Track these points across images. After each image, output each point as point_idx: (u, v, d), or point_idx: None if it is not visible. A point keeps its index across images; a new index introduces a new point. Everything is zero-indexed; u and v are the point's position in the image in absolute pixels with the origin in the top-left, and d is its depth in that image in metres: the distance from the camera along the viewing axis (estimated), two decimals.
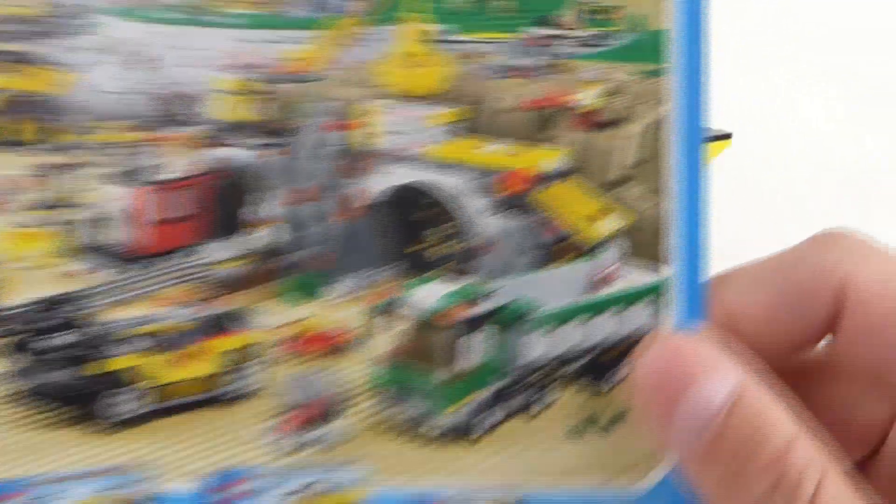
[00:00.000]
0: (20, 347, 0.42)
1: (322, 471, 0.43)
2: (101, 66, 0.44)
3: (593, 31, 0.42)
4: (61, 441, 0.43)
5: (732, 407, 0.33)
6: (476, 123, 0.43)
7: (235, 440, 0.43)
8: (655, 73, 0.40)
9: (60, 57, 0.44)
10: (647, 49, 0.40)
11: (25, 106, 0.45)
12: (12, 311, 0.43)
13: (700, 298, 0.38)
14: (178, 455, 0.43)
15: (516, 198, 0.42)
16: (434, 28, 0.42)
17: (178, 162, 0.44)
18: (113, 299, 0.44)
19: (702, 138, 0.40)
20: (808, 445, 0.33)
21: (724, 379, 0.33)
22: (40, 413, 0.43)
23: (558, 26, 0.41)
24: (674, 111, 0.39)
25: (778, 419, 0.33)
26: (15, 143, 0.45)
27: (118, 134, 0.45)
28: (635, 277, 0.41)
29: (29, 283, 0.43)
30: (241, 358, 0.43)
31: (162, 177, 0.44)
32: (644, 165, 0.42)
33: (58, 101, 0.45)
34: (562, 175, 0.42)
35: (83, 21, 0.44)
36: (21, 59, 0.45)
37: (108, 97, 0.44)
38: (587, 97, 0.42)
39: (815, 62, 0.90)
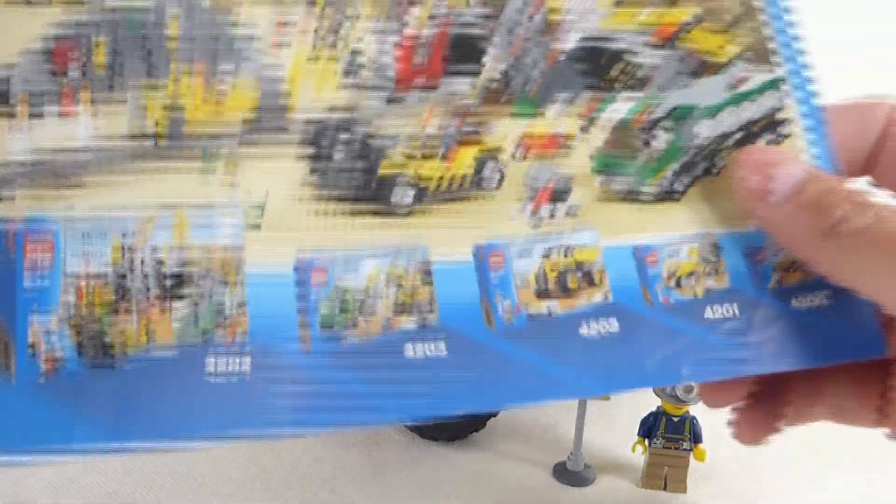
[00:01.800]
0: (314, 157, 0.51)
1: (567, 234, 0.53)
2: None
3: None
4: (355, 228, 0.51)
5: (810, 173, 0.50)
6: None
7: (496, 219, 0.53)
8: None
9: None
10: None
11: None
12: (303, 126, 0.52)
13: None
14: (451, 233, 0.52)
15: (668, 42, 0.59)
16: None
17: (420, 24, 0.57)
18: (384, 121, 0.54)
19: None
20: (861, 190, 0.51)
21: (801, 164, 0.51)
22: (338, 206, 0.51)
23: None
24: None
25: (839, 181, 0.51)
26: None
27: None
28: (759, 77, 0.59)
29: (315, 104, 0.53)
30: (489, 158, 0.54)
31: (410, 32, 0.57)
32: (744, 17, 0.60)
33: None
34: (696, 22, 0.59)
35: None
36: None
37: None
38: None
39: None
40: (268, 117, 0.53)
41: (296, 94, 0.54)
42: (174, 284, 0.46)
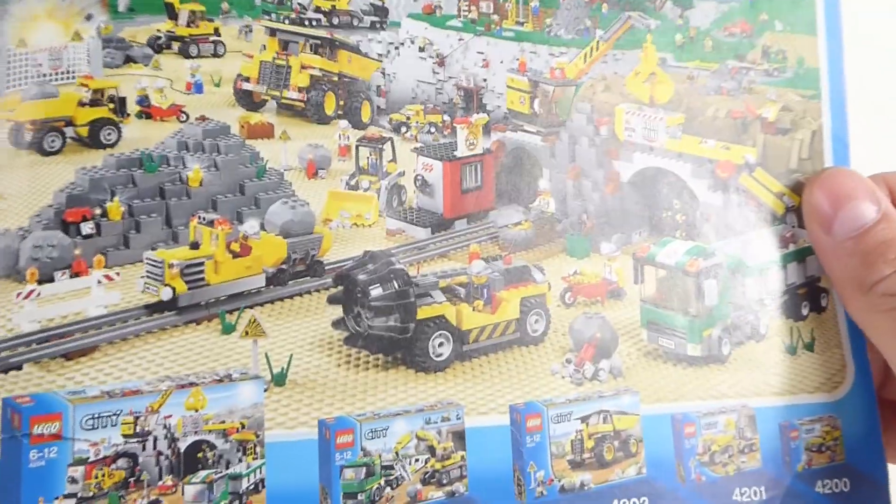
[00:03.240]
0: (348, 297, 0.47)
1: (608, 397, 0.50)
2: (399, 57, 0.52)
3: (773, 65, 0.57)
4: (389, 381, 0.47)
5: (885, 216, 0.49)
6: (696, 126, 0.56)
7: (537, 376, 0.50)
8: (814, 97, 0.56)
9: (364, 46, 0.52)
10: (807, 80, 0.57)
11: (328, 84, 0.51)
12: (338, 264, 0.47)
13: None
14: (489, 391, 0.49)
15: (728, 180, 0.55)
16: (665, 55, 0.56)
17: (469, 141, 0.52)
18: (425, 255, 0.50)
19: (846, 143, 0.56)
20: None
21: (879, 203, 0.49)
22: (371, 355, 0.47)
23: (749, 61, 0.57)
24: (825, 123, 0.55)
25: None
26: (319, 118, 0.51)
27: (418, 115, 0.52)
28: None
29: (351, 241, 0.48)
30: (536, 305, 0.50)
31: (458, 153, 0.52)
32: (805, 162, 0.57)
33: (359, 82, 0.52)
34: (756, 165, 0.56)
35: (385, 19, 0.52)
36: (330, 45, 0.52)
37: (406, 83, 0.52)
38: (770, 111, 0.57)
39: None
40: (297, 264, 0.49)
41: (330, 232, 0.50)
42: (188, 459, 0.42)
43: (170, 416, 0.43)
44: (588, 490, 0.50)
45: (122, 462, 0.42)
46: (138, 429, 0.42)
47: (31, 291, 0.44)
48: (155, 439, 0.42)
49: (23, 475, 0.40)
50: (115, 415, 0.42)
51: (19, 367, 0.42)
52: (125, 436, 0.42)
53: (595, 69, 0.57)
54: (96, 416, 0.42)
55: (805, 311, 0.55)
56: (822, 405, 0.53)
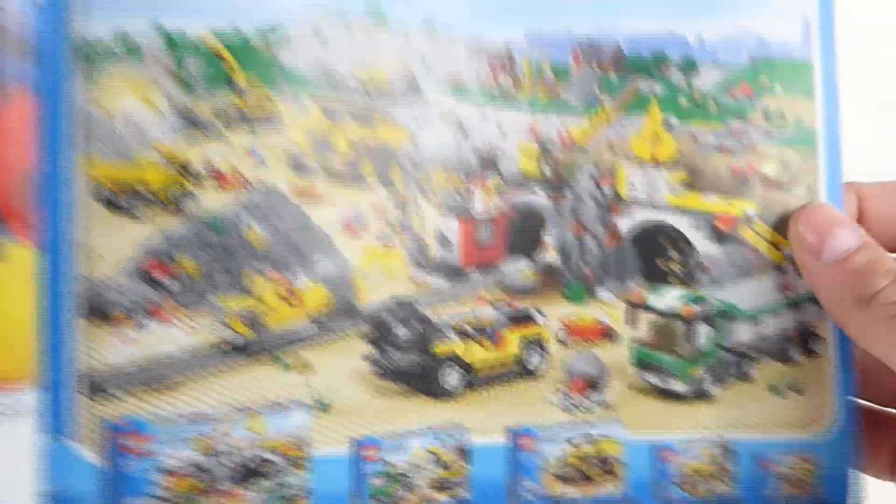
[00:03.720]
0: (378, 336, 0.57)
1: (596, 424, 0.59)
2: (429, 127, 0.60)
3: (773, 125, 0.61)
4: (408, 406, 0.58)
5: (864, 243, 0.55)
6: (697, 182, 0.62)
7: (532, 404, 0.59)
8: (811, 155, 0.61)
9: (398, 116, 0.60)
10: (805, 139, 0.61)
11: (366, 151, 0.60)
12: (370, 309, 0.57)
13: None
14: (490, 416, 0.59)
15: (727, 233, 0.61)
16: (668, 117, 0.61)
17: (486, 201, 0.60)
18: (442, 301, 0.59)
19: (840, 196, 0.60)
20: None
21: (857, 232, 0.55)
22: (395, 385, 0.58)
23: (750, 121, 0.61)
24: (821, 179, 0.60)
25: (887, 255, 0.55)
26: (358, 182, 0.60)
27: (442, 178, 0.60)
28: (804, 285, 0.61)
29: (382, 289, 0.58)
30: (534, 343, 0.59)
31: (474, 212, 0.60)
32: None
33: (393, 150, 0.60)
34: (755, 218, 0.61)
35: (416, 92, 0.60)
36: (368, 115, 0.60)
37: (432, 150, 0.60)
38: (769, 168, 0.61)
39: None
40: (339, 311, 0.59)
41: (365, 282, 0.59)
42: (250, 472, 0.54)
43: (234, 436, 0.54)
44: (570, 500, 0.59)
45: (197, 473, 0.54)
46: (210, 447, 0.54)
47: (122, 334, 0.54)
48: (222, 454, 0.54)
49: (120, 480, 0.52)
50: (191, 435, 0.54)
51: (116, 396, 0.53)
52: (200, 452, 0.53)
53: (601, 132, 0.63)
54: (177, 436, 0.53)
55: (796, 356, 0.61)
56: (800, 442, 0.60)
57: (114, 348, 0.54)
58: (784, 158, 0.62)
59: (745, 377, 0.61)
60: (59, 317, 0.52)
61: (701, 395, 0.61)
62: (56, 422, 0.52)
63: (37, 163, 0.51)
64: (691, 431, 0.60)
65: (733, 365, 0.61)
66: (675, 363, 0.61)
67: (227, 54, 0.57)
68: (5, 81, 0.52)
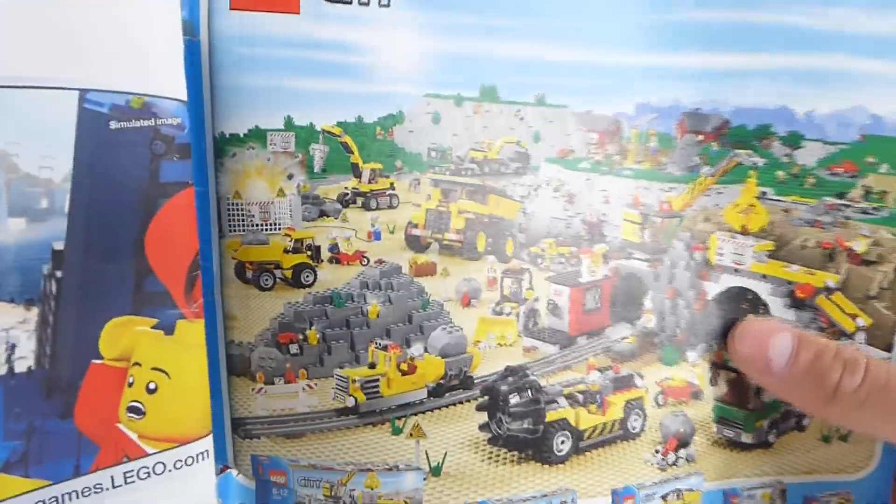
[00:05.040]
0: (492, 405, 0.58)
1: (682, 479, 0.63)
2: (538, 197, 0.60)
3: (871, 204, 0.63)
4: (520, 472, 0.61)
5: (800, 340, 0.57)
6: (784, 252, 0.65)
7: (633, 465, 0.63)
8: None
9: (509, 189, 0.61)
10: None
11: (480, 224, 0.61)
12: (485, 378, 0.59)
13: None
14: (597, 479, 0.62)
15: (805, 300, 0.65)
16: (765, 189, 0.64)
17: (592, 268, 0.61)
18: (553, 367, 0.61)
19: None
20: (850, 347, 0.59)
21: (790, 332, 0.57)
22: (507, 452, 0.60)
23: (848, 199, 0.64)
24: None
25: (828, 341, 0.58)
26: (472, 255, 0.61)
27: (551, 247, 0.61)
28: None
29: (496, 358, 0.59)
30: (636, 406, 0.62)
31: (583, 279, 0.61)
32: (885, 291, 0.65)
33: (505, 221, 0.61)
34: (836, 290, 0.64)
35: (527, 165, 0.60)
36: (482, 190, 0.60)
37: (543, 220, 0.60)
38: (859, 245, 0.64)
39: None
40: (454, 380, 0.62)
41: (479, 351, 0.62)
42: None
43: (353, 489, 0.58)
44: None
45: None
46: (333, 493, 0.58)
47: (261, 389, 0.58)
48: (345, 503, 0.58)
49: (270, 500, 0.58)
50: (318, 480, 0.58)
51: (259, 437, 0.58)
52: (325, 496, 0.58)
53: (698, 202, 0.65)
54: (306, 478, 0.58)
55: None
56: (844, 483, 0.66)
57: (255, 401, 0.58)
58: (877, 237, 0.65)
59: (800, 427, 0.67)
60: (216, 376, 0.57)
61: (762, 444, 0.66)
62: (222, 457, 0.57)
63: (198, 248, 0.54)
64: (754, 477, 0.65)
65: (792, 417, 0.66)
66: (746, 417, 0.66)
67: (350, 141, 0.58)
68: (164, 181, 0.52)
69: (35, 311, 0.55)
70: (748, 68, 0.62)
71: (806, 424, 0.67)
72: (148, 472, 0.57)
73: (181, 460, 0.59)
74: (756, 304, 0.68)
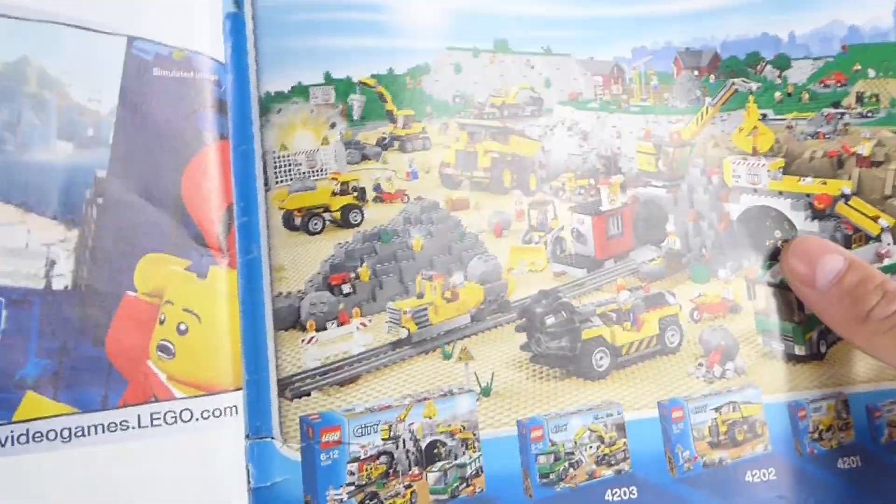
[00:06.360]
0: (530, 326, 0.62)
1: (735, 391, 0.63)
2: (553, 136, 0.66)
3: (866, 108, 0.68)
4: (565, 388, 0.63)
5: (851, 263, 0.60)
6: (796, 167, 0.69)
7: (676, 378, 0.64)
8: None
9: (528, 130, 0.67)
10: None
11: (504, 162, 0.66)
12: (520, 302, 0.62)
13: None
14: (640, 392, 0.63)
15: (825, 210, 0.68)
16: (766, 111, 0.69)
17: (611, 197, 0.66)
18: (583, 290, 0.65)
19: None
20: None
21: (843, 255, 0.60)
22: (550, 369, 0.63)
23: (844, 106, 0.69)
24: None
25: (877, 272, 0.60)
26: (500, 189, 0.66)
27: (570, 181, 0.66)
28: None
29: (528, 284, 0.63)
30: (670, 322, 0.64)
31: (602, 208, 0.66)
32: None
33: (526, 159, 0.67)
34: (853, 195, 0.68)
35: (542, 108, 0.67)
36: (503, 132, 0.67)
37: (561, 157, 0.66)
38: (864, 148, 0.68)
39: None
40: (491, 305, 0.65)
41: (513, 277, 0.66)
42: (428, 454, 0.59)
43: (413, 423, 0.59)
44: (726, 465, 0.63)
45: (382, 458, 0.58)
46: (392, 434, 0.59)
47: (312, 338, 0.61)
48: (404, 441, 0.59)
49: (317, 471, 0.57)
50: (375, 424, 0.59)
51: (308, 394, 0.59)
52: (384, 439, 0.59)
53: (706, 130, 0.70)
54: (363, 426, 0.59)
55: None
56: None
57: (306, 352, 0.60)
58: (879, 137, 0.69)
59: None
60: (259, 329, 0.58)
61: (815, 356, 0.67)
62: (260, 424, 0.57)
63: (234, 198, 0.58)
64: (813, 389, 0.66)
65: None
66: (795, 329, 0.67)
67: (384, 91, 0.65)
68: (200, 129, 0.59)
69: (76, 232, 0.58)
70: (728, 5, 0.69)
71: None
72: (175, 417, 0.58)
73: (208, 410, 0.58)
74: (780, 221, 0.70)
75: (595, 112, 0.69)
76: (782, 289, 0.68)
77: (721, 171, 0.69)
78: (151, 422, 0.58)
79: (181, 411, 0.58)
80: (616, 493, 0.61)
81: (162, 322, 0.58)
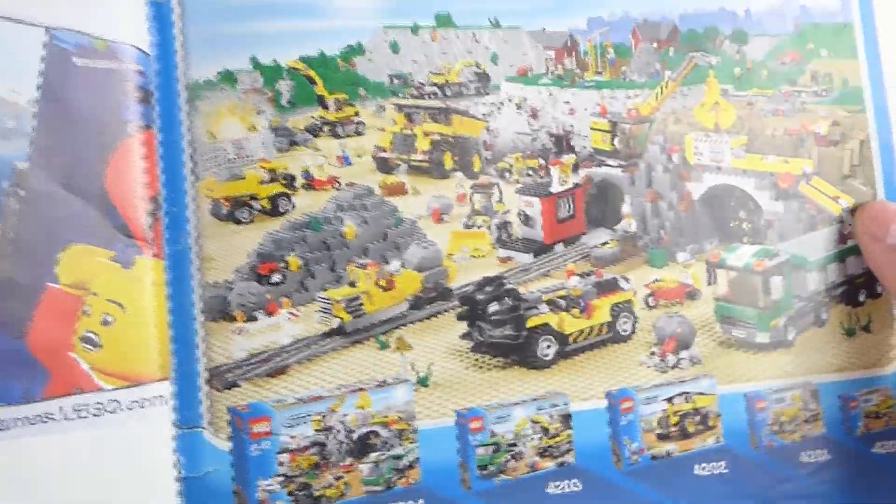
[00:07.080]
0: (472, 314, 0.60)
1: (689, 381, 0.61)
2: (501, 115, 0.63)
3: (821, 87, 0.65)
4: (508, 378, 0.61)
5: None
6: (758, 145, 0.65)
7: (627, 367, 0.62)
8: (860, 112, 0.64)
9: (472, 109, 0.65)
10: (853, 97, 0.64)
11: (446, 144, 0.64)
12: (462, 289, 0.60)
13: None
14: (589, 382, 0.61)
15: (788, 190, 0.64)
16: (726, 87, 0.65)
17: (561, 178, 0.63)
18: (530, 276, 0.62)
19: (891, 148, 0.63)
20: None
21: None
22: (493, 358, 0.61)
23: (801, 85, 0.65)
24: (871, 133, 0.63)
25: None
26: (440, 173, 0.64)
27: (518, 162, 0.64)
28: None
29: (471, 270, 0.61)
30: (624, 309, 0.62)
31: (552, 189, 0.63)
32: (857, 168, 0.65)
33: (470, 140, 0.64)
34: (814, 174, 0.64)
35: (488, 85, 0.64)
36: (445, 112, 0.64)
37: (508, 136, 0.63)
38: (821, 126, 0.65)
39: None
40: (431, 293, 0.63)
41: (454, 264, 0.63)
42: (361, 445, 0.57)
43: (345, 414, 0.58)
44: (674, 457, 0.61)
45: (314, 449, 0.57)
46: (324, 425, 0.57)
47: (240, 328, 0.59)
48: (336, 432, 0.57)
49: (248, 462, 0.56)
50: (306, 415, 0.57)
51: (237, 384, 0.58)
52: (315, 430, 0.57)
53: (666, 105, 0.66)
54: (294, 417, 0.57)
55: (862, 298, 0.64)
56: (878, 379, 0.63)
57: (234, 343, 0.58)
58: (834, 117, 0.66)
59: (819, 322, 0.64)
60: (188, 320, 0.56)
61: (781, 344, 0.63)
62: (189, 415, 0.56)
63: (160, 187, 0.57)
64: (777, 379, 0.62)
65: (808, 312, 0.64)
66: (757, 315, 0.64)
67: (314, 75, 0.62)
68: (124, 119, 0.58)
69: None
70: None
71: (825, 319, 0.64)
72: (100, 409, 0.56)
73: (136, 401, 0.56)
74: (744, 200, 0.67)
75: (546, 88, 0.66)
76: (746, 273, 0.65)
77: (682, 149, 0.66)
78: (77, 413, 0.58)
79: (107, 402, 0.57)
80: (558, 485, 0.59)
81: (87, 313, 0.57)
